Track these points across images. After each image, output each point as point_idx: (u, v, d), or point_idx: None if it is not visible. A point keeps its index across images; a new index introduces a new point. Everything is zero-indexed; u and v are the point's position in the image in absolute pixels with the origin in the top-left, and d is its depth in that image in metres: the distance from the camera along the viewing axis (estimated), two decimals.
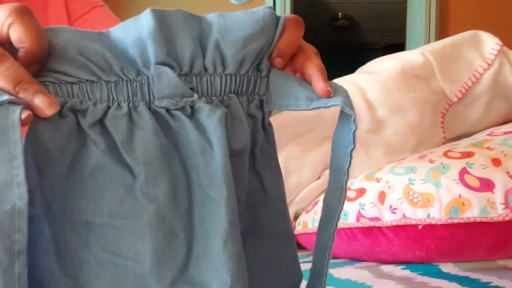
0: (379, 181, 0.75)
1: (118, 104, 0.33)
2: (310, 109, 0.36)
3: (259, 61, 0.36)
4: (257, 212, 0.37)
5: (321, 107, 0.36)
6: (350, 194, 0.77)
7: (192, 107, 0.34)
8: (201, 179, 0.33)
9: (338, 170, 0.38)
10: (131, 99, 0.33)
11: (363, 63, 1.05)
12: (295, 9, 2.68)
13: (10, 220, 0.28)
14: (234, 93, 0.35)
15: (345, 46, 3.53)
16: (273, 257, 0.37)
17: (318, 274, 0.40)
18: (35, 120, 0.31)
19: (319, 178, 0.90)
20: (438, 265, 0.68)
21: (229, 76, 0.35)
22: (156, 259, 0.32)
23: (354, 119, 0.36)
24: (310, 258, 0.82)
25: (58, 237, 0.32)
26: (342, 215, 0.75)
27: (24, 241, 0.29)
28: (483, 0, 2.17)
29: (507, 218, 0.64)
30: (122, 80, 0.33)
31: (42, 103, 0.30)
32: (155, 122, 0.33)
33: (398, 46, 2.52)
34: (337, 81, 0.99)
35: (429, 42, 1.98)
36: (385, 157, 0.87)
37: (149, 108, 0.33)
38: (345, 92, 0.36)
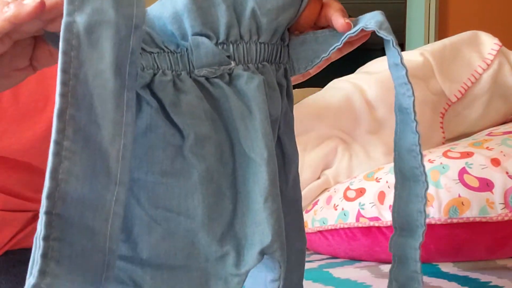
0: (378, 181, 0.75)
1: (163, 71, 0.34)
2: (328, 54, 0.38)
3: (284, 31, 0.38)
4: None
5: (344, 38, 0.37)
6: (350, 194, 0.77)
7: (230, 74, 0.35)
8: (242, 142, 0.35)
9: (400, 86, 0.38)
10: (173, 68, 0.35)
11: (362, 63, 1.05)
12: None
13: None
14: (266, 62, 0.37)
15: None
16: (289, 221, 0.39)
17: (417, 202, 0.39)
18: None
19: (319, 178, 0.90)
20: (438, 265, 0.68)
21: (263, 45, 0.36)
22: (207, 214, 0.34)
23: (393, 43, 0.37)
24: (310, 258, 0.82)
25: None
26: (341, 215, 0.76)
27: (143, 17, 0.29)
28: (482, 0, 2.17)
29: (506, 218, 0.64)
30: (164, 51, 0.35)
31: None
32: (198, 89, 0.35)
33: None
34: (336, 81, 0.99)
35: (428, 43, 1.98)
36: (384, 157, 0.87)
37: (190, 77, 0.35)
38: (377, 14, 0.38)
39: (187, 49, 0.35)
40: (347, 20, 0.37)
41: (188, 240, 0.34)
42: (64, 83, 0.27)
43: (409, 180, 0.39)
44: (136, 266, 0.33)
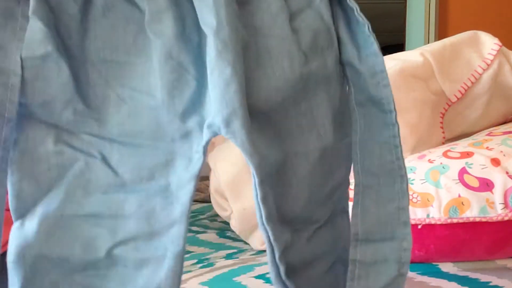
0: None
1: None
2: None
3: None
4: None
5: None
6: (350, 194, 0.77)
7: None
8: (198, 13, 0.34)
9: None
10: None
11: None
12: None
13: (4, 92, 0.32)
14: None
15: None
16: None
17: (396, 200, 0.37)
18: None
19: None
20: (438, 265, 0.68)
21: None
22: (166, 91, 0.34)
23: (368, 27, 0.35)
24: None
25: (79, 74, 0.34)
26: None
27: (13, 111, 0.32)
28: (482, 0, 2.17)
29: (506, 218, 0.64)
30: None
31: None
32: None
33: (398, 46, 2.52)
34: None
35: (428, 43, 1.98)
36: None
37: None
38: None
39: None
40: None
41: (152, 118, 0.34)
42: None
43: (381, 177, 0.36)
44: (105, 142, 0.34)
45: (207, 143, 0.34)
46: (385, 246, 0.37)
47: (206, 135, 0.34)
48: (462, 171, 0.68)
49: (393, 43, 3.11)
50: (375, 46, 0.35)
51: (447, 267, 0.67)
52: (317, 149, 0.37)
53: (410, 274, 0.65)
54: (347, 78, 0.38)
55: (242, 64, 0.33)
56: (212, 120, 0.33)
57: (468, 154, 0.71)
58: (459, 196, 0.66)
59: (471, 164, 0.69)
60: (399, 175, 0.36)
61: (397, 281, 0.36)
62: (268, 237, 0.35)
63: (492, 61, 0.90)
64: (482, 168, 0.68)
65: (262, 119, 0.35)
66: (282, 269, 0.36)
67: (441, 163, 0.71)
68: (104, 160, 0.34)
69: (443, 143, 0.93)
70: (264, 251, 0.81)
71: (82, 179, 0.34)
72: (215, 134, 0.33)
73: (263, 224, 0.35)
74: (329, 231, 0.40)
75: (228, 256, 0.81)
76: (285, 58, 0.35)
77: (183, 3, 0.34)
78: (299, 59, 0.35)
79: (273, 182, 0.35)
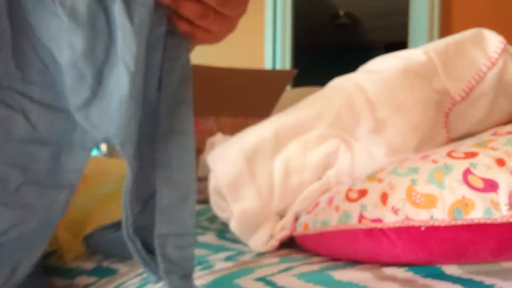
0: (381, 182, 0.74)
1: None
2: None
3: None
4: None
5: None
6: (352, 195, 0.76)
7: None
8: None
9: None
10: None
11: (365, 62, 1.03)
12: (295, 7, 2.66)
13: None
14: None
15: (347, 44, 3.52)
16: None
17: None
18: None
19: (320, 178, 0.89)
20: (441, 267, 0.67)
21: None
22: (70, 87, 0.40)
23: None
24: (311, 260, 0.81)
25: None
26: (344, 216, 0.74)
27: None
28: None
29: (511, 220, 0.63)
30: None
31: None
32: None
33: (401, 44, 2.51)
34: (338, 80, 0.98)
35: (432, 40, 1.96)
36: (387, 157, 0.86)
37: None
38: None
39: None
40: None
41: (65, 91, 0.41)
42: None
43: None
44: (26, 100, 0.42)
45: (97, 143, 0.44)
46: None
47: (97, 137, 0.43)
48: (467, 172, 0.67)
49: (396, 41, 3.10)
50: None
51: (451, 269, 0.66)
52: None
53: (414, 276, 0.64)
54: None
55: (141, 88, 0.39)
56: (110, 138, 0.40)
57: (472, 154, 0.70)
58: (463, 197, 0.65)
59: (476, 164, 0.68)
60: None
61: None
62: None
63: (497, 59, 0.89)
64: (487, 169, 0.67)
65: None
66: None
67: (445, 164, 0.70)
68: (25, 115, 0.42)
69: (447, 143, 0.91)
70: (265, 253, 0.80)
71: (4, 126, 0.41)
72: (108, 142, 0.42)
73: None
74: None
75: (228, 258, 0.80)
76: None
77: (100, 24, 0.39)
78: None
79: None
